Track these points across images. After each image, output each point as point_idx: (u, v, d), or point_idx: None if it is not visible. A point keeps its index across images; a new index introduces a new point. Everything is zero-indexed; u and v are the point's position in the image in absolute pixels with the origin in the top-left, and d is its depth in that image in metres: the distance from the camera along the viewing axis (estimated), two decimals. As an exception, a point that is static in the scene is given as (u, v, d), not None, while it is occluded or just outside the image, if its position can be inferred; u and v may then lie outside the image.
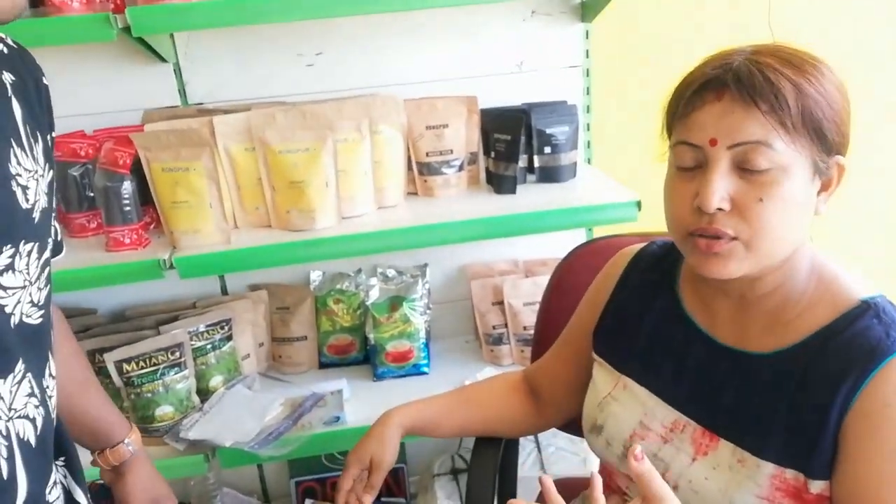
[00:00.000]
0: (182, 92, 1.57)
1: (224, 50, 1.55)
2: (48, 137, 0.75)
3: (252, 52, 1.57)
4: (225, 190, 1.40)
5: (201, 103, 1.57)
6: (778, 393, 0.77)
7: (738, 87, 0.72)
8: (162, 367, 1.43)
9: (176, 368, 1.45)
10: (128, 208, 1.34)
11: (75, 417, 0.95)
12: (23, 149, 0.68)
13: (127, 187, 1.34)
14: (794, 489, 0.75)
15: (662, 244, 0.98)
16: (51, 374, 0.73)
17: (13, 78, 0.69)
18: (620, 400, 0.91)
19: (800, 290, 0.79)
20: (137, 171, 1.35)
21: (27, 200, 0.67)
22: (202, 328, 1.52)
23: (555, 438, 1.70)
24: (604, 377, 0.95)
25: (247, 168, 1.42)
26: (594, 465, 1.59)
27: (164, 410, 1.43)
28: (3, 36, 0.72)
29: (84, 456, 0.88)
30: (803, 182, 0.73)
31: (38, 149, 0.71)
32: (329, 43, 1.58)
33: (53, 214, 0.79)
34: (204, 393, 1.52)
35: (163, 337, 1.45)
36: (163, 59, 1.52)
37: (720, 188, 0.73)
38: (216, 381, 1.54)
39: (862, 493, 0.71)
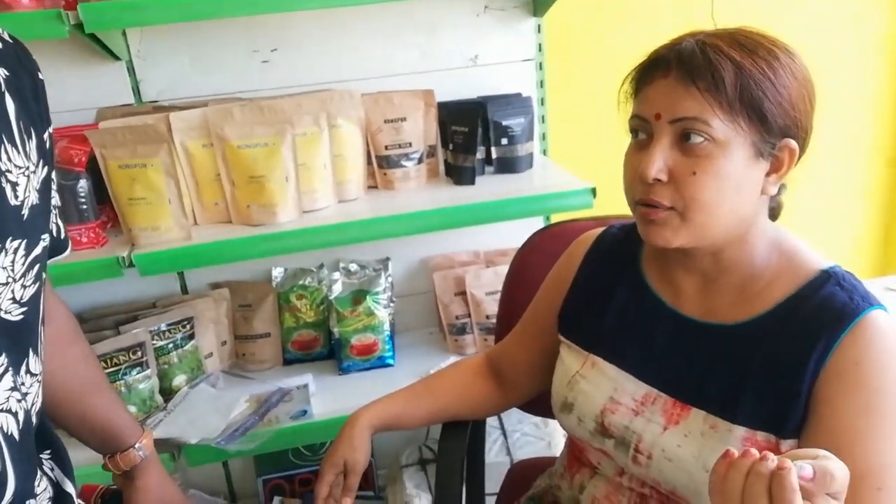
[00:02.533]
0: (136, 90, 1.55)
1: (178, 48, 1.54)
2: (44, 134, 0.74)
3: (206, 50, 1.56)
4: (183, 186, 1.39)
5: (156, 101, 1.56)
6: (748, 361, 0.81)
7: (679, 67, 0.76)
8: (123, 367, 1.41)
9: (138, 368, 1.43)
10: (84, 206, 1.33)
11: (84, 420, 0.94)
12: (14, 145, 0.67)
13: (83, 185, 1.32)
14: (765, 450, 0.79)
15: (622, 226, 1.02)
16: (29, 372, 0.72)
17: (7, 73, 0.68)
18: (589, 377, 0.94)
19: (762, 264, 0.83)
20: (93, 169, 1.34)
21: (16, 197, 0.67)
22: (163, 327, 1.50)
23: (520, 424, 1.73)
24: (572, 357, 0.97)
25: (205, 164, 1.42)
26: (559, 448, 1.62)
27: (128, 410, 1.42)
28: (0, 31, 0.72)
29: (78, 454, 0.87)
30: (742, 161, 0.76)
31: (32, 145, 0.70)
32: (284, 39, 1.59)
33: (55, 212, 0.79)
34: (167, 392, 1.51)
35: (123, 336, 1.43)
36: (116, 57, 1.50)
37: (659, 160, 0.77)
38: (179, 380, 1.53)
39: (834, 447, 0.74)
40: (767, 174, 0.79)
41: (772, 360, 0.80)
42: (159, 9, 1.24)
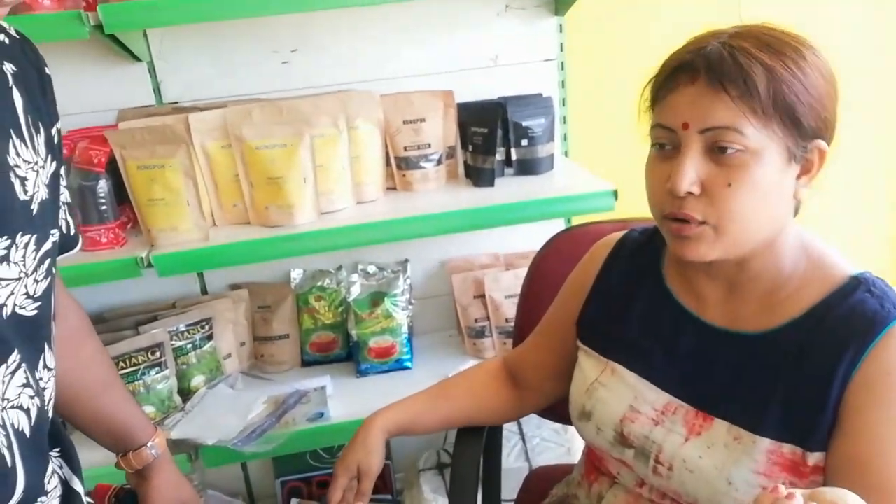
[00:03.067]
0: (157, 91, 1.56)
1: (198, 48, 1.54)
2: (53, 129, 0.74)
3: (226, 51, 1.56)
4: (202, 187, 1.40)
5: (176, 102, 1.56)
6: (774, 370, 0.78)
7: (708, 73, 0.73)
8: (142, 367, 1.42)
9: (156, 368, 1.44)
10: (104, 207, 1.33)
11: (97, 418, 0.94)
12: (23, 140, 0.67)
13: (102, 186, 1.33)
14: (791, 462, 0.76)
15: (643, 230, 0.99)
16: (46, 367, 0.72)
17: (14, 68, 0.69)
18: (608, 385, 0.91)
19: (789, 271, 0.80)
20: (113, 169, 1.34)
21: (25, 192, 0.67)
22: (182, 328, 1.51)
23: (539, 430, 1.71)
24: (590, 364, 0.95)
25: (223, 165, 1.42)
26: (579, 455, 1.59)
27: (146, 411, 1.41)
28: (6, 26, 0.72)
29: (91, 454, 0.87)
30: (776, 167, 0.74)
31: (40, 140, 0.70)
32: (304, 40, 1.58)
33: (64, 207, 0.79)
34: (186, 393, 1.52)
35: (142, 337, 1.44)
36: (136, 59, 1.51)
37: (690, 172, 0.74)
38: (198, 380, 1.53)
39: (862, 459, 0.72)
40: (798, 177, 0.77)
41: (799, 370, 0.77)
42: (178, 9, 1.24)
